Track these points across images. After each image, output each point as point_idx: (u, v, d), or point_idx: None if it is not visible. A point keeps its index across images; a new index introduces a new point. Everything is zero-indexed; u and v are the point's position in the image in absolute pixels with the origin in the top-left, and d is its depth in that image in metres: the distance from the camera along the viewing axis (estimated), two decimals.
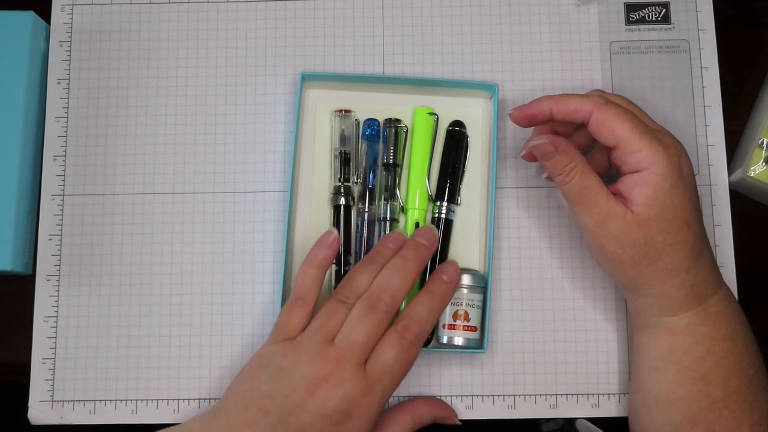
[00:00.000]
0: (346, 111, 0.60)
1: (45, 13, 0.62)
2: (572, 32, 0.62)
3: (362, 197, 0.59)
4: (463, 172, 0.60)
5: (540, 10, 0.62)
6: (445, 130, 0.60)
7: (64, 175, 0.60)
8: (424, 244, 0.54)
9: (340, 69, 0.61)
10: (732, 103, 0.62)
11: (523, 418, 0.58)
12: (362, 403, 0.48)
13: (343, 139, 0.59)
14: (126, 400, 0.58)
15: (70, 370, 0.58)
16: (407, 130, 0.60)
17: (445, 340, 0.56)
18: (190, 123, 0.61)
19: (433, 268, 0.57)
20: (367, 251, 0.58)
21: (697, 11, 0.62)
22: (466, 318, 0.56)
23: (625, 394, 0.58)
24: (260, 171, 0.60)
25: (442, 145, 0.60)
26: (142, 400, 0.58)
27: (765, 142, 0.58)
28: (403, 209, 0.59)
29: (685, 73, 0.61)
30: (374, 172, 0.59)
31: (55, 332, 0.58)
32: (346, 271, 0.58)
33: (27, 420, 0.58)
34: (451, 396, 0.58)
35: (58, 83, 0.61)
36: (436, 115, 0.60)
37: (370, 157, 0.59)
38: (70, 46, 0.62)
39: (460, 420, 0.58)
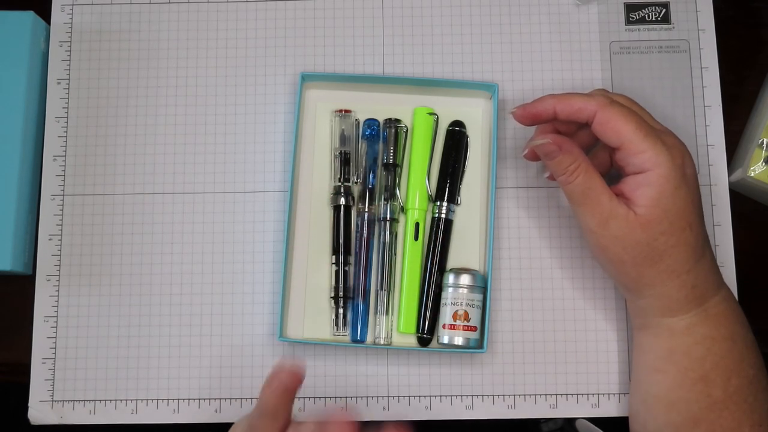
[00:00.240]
0: (346, 111, 0.60)
1: (45, 13, 0.62)
2: (572, 32, 0.62)
3: (362, 197, 0.59)
4: (463, 172, 0.60)
5: (540, 10, 0.62)
6: (445, 130, 0.60)
7: (64, 175, 0.60)
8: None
9: (340, 69, 0.61)
10: (732, 103, 0.62)
11: (523, 418, 0.58)
12: None
13: (343, 139, 0.59)
14: (126, 400, 0.58)
15: (70, 370, 0.58)
16: (407, 130, 0.60)
17: (445, 340, 0.56)
18: (190, 123, 0.61)
19: (433, 267, 0.57)
20: (367, 251, 0.58)
21: (697, 11, 0.62)
22: (466, 318, 0.56)
23: (625, 394, 0.58)
24: (260, 171, 0.60)
25: (442, 145, 0.60)
26: (142, 400, 0.58)
27: (765, 142, 0.58)
28: (403, 209, 0.59)
29: (685, 73, 0.61)
30: (374, 172, 0.59)
31: (55, 332, 0.58)
32: (345, 271, 0.58)
33: (27, 420, 0.58)
34: (451, 396, 0.58)
35: (58, 83, 0.61)
36: (436, 115, 0.60)
37: (370, 157, 0.59)
38: (70, 46, 0.62)
39: (459, 420, 0.58)
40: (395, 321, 0.58)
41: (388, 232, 0.58)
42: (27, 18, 0.59)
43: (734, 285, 0.58)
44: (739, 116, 0.62)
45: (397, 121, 0.59)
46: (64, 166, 0.60)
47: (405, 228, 0.59)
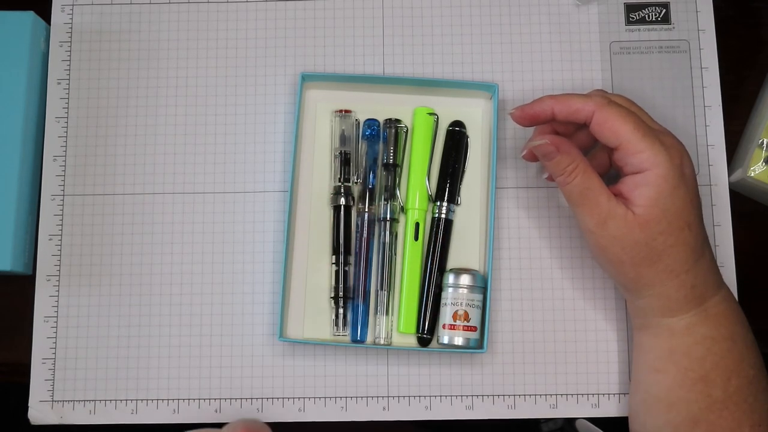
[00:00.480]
0: (346, 111, 0.60)
1: (45, 13, 0.62)
2: (572, 32, 0.62)
3: (362, 197, 0.59)
4: (463, 172, 0.60)
5: (540, 10, 0.62)
6: (445, 130, 0.60)
7: (64, 175, 0.60)
8: None
9: (340, 69, 0.61)
10: (732, 103, 0.62)
11: (523, 418, 0.58)
12: None
13: (343, 139, 0.59)
14: (126, 400, 0.58)
15: (70, 370, 0.58)
16: (407, 130, 0.60)
17: (445, 340, 0.56)
18: (190, 123, 0.61)
19: (433, 267, 0.57)
20: (367, 251, 0.58)
21: (697, 11, 0.62)
22: (466, 318, 0.56)
23: (625, 394, 0.58)
24: (260, 171, 0.60)
25: (442, 145, 0.60)
26: (142, 400, 0.58)
27: (765, 142, 0.58)
28: (403, 209, 0.59)
29: (685, 73, 0.61)
30: (374, 172, 0.59)
31: (55, 332, 0.58)
32: (345, 271, 0.58)
33: (27, 420, 0.58)
34: (451, 396, 0.58)
35: (58, 83, 0.61)
36: (436, 115, 0.60)
37: (370, 157, 0.59)
38: (70, 47, 0.62)
39: (459, 420, 0.58)
40: (395, 321, 0.58)
41: (388, 232, 0.58)
42: (27, 18, 0.59)
43: (734, 285, 0.58)
44: (739, 116, 0.62)
45: (397, 121, 0.59)
46: (64, 166, 0.60)
47: (405, 228, 0.59)
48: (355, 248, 0.59)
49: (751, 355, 0.51)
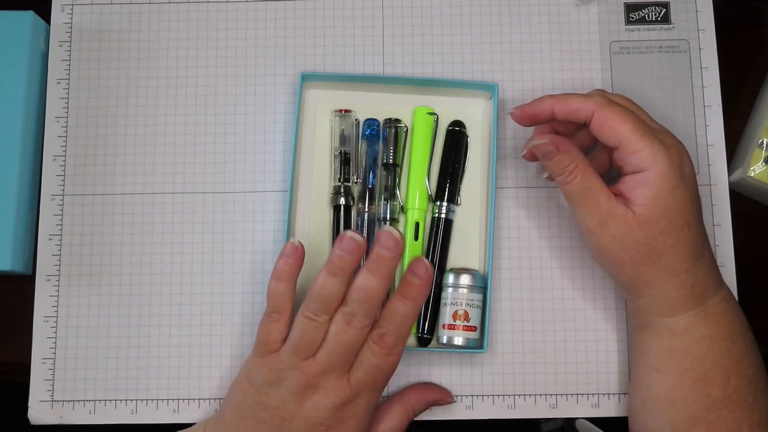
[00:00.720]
0: (346, 111, 0.60)
1: (45, 13, 0.62)
2: (572, 32, 0.62)
3: (362, 197, 0.59)
4: (463, 172, 0.60)
5: (540, 10, 0.62)
6: (445, 130, 0.60)
7: (64, 175, 0.60)
8: (387, 255, 0.50)
9: (340, 69, 0.61)
10: (732, 103, 0.62)
11: (523, 418, 0.58)
12: (350, 408, 0.50)
13: (343, 139, 0.59)
14: (126, 400, 0.58)
15: (70, 370, 0.58)
16: (407, 130, 0.60)
17: (445, 340, 0.56)
18: (190, 123, 0.61)
19: (432, 263, 0.57)
20: (366, 251, 0.58)
21: (697, 11, 0.62)
22: (466, 318, 0.56)
23: (625, 394, 0.58)
24: (260, 171, 0.60)
25: (442, 145, 0.60)
26: (141, 400, 0.58)
27: (765, 142, 0.58)
28: (403, 209, 0.59)
29: (685, 73, 0.61)
30: (374, 172, 0.59)
31: (55, 332, 0.58)
32: None
33: (27, 420, 0.58)
34: (450, 393, 0.58)
35: (58, 83, 0.61)
36: (436, 115, 0.60)
37: (370, 157, 0.59)
38: (70, 46, 0.62)
39: (459, 420, 0.58)
40: None
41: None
42: (27, 18, 0.59)
43: (734, 285, 0.58)
44: (739, 116, 0.62)
45: (397, 121, 0.59)
46: (64, 166, 0.60)
47: (405, 228, 0.59)
48: None
49: (750, 354, 0.51)
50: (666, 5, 0.62)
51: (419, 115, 0.59)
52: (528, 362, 0.58)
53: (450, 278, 0.56)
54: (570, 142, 0.51)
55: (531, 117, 0.53)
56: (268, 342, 0.52)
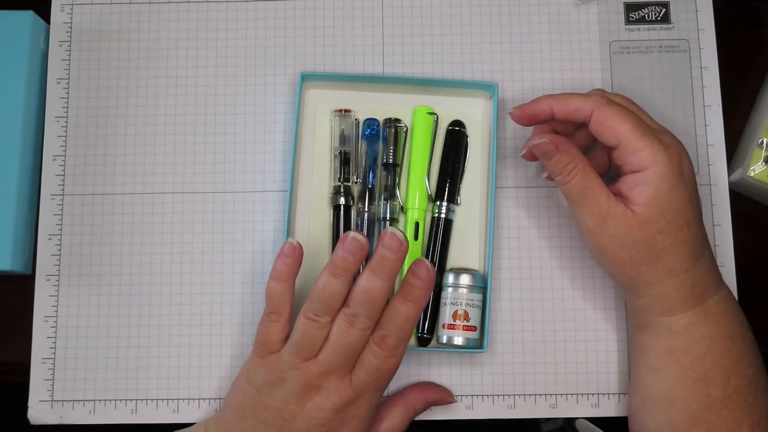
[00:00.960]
0: (346, 111, 0.60)
1: (45, 13, 0.62)
2: (572, 32, 0.62)
3: (362, 197, 0.59)
4: (462, 171, 0.60)
5: (540, 10, 0.62)
6: (444, 129, 0.60)
7: (63, 175, 0.60)
8: (390, 257, 0.49)
9: (340, 69, 0.61)
10: (732, 103, 0.62)
11: (523, 418, 0.58)
12: (352, 410, 0.50)
13: (343, 138, 0.59)
14: (126, 400, 0.58)
15: (70, 370, 0.58)
16: (407, 130, 0.60)
17: (444, 340, 0.56)
18: (190, 123, 0.61)
19: (432, 263, 0.57)
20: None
21: (696, 11, 0.62)
22: (466, 318, 0.56)
23: (624, 393, 0.58)
24: (260, 171, 0.60)
25: (441, 144, 0.60)
26: (141, 400, 0.58)
27: (765, 142, 0.58)
28: (402, 209, 0.59)
29: (685, 72, 0.61)
30: (374, 172, 0.59)
31: (55, 332, 0.58)
32: None
33: (27, 420, 0.58)
34: (451, 392, 0.58)
35: (58, 83, 0.61)
36: (435, 114, 0.60)
37: (369, 157, 0.59)
38: (70, 46, 0.62)
39: (460, 420, 0.58)
40: None
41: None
42: (27, 18, 0.59)
43: (734, 285, 0.58)
44: (739, 116, 0.62)
45: (397, 120, 0.59)
46: (64, 165, 0.60)
47: (405, 228, 0.59)
48: None
49: (750, 354, 0.51)
50: (666, 5, 0.62)
51: (419, 115, 0.59)
52: (528, 362, 0.58)
53: (450, 278, 0.56)
54: (569, 142, 0.51)
55: (530, 117, 0.53)
56: (267, 343, 0.52)
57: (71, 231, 0.60)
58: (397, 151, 0.59)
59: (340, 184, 0.59)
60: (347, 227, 0.58)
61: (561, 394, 0.58)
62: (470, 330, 0.56)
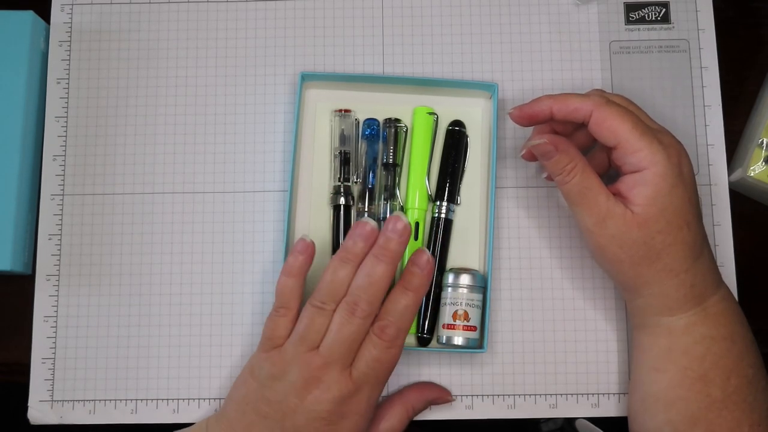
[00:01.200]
0: (346, 111, 0.60)
1: (45, 13, 0.62)
2: (572, 32, 0.62)
3: (362, 197, 0.59)
4: (462, 171, 0.60)
5: (540, 10, 0.62)
6: (444, 129, 0.60)
7: (63, 175, 0.60)
8: (394, 239, 0.51)
9: (340, 69, 0.61)
10: (732, 103, 0.62)
11: (523, 418, 0.58)
12: (352, 403, 0.50)
13: (343, 138, 0.59)
14: (126, 400, 0.58)
15: (70, 370, 0.58)
16: (407, 130, 0.60)
17: (444, 339, 0.56)
18: (190, 123, 0.61)
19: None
20: None
21: (696, 11, 0.62)
22: (466, 318, 0.56)
23: (624, 393, 0.58)
24: (260, 171, 0.60)
25: (441, 144, 0.60)
26: (141, 400, 0.58)
27: (765, 142, 0.58)
28: (402, 209, 0.59)
29: (685, 73, 0.61)
30: (374, 172, 0.59)
31: (55, 332, 0.58)
32: None
33: (27, 420, 0.58)
34: (450, 392, 0.58)
35: (58, 83, 0.61)
36: (435, 114, 0.60)
37: (369, 157, 0.59)
38: (70, 46, 0.62)
39: (459, 420, 0.58)
40: None
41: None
42: (27, 18, 0.59)
43: (734, 285, 0.58)
44: (739, 116, 0.62)
45: (397, 120, 0.59)
46: (64, 165, 0.60)
47: None
48: None
49: (750, 354, 0.51)
50: (666, 5, 0.62)
51: (419, 115, 0.59)
52: (528, 362, 0.58)
53: (450, 278, 0.56)
54: (569, 142, 0.52)
55: (530, 117, 0.53)
56: (273, 337, 0.52)
57: (71, 231, 0.60)
58: (397, 151, 0.59)
59: (340, 184, 0.59)
60: (347, 227, 0.58)
61: (561, 394, 0.58)
62: (470, 330, 0.56)
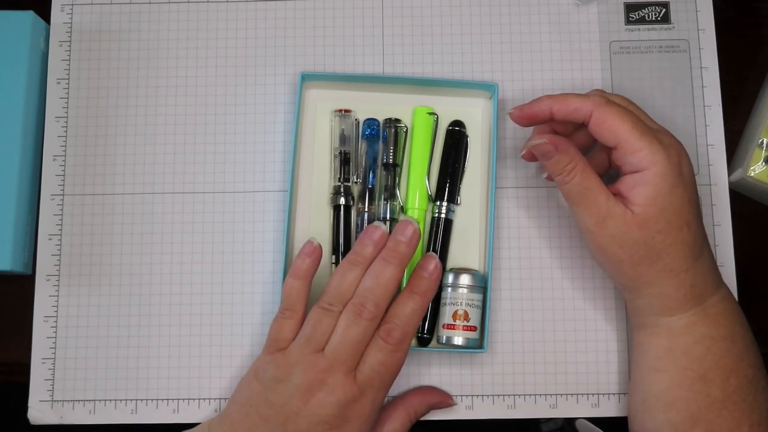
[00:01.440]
0: (346, 111, 0.60)
1: (45, 13, 0.62)
2: (572, 32, 0.62)
3: (362, 197, 0.59)
4: (462, 171, 0.60)
5: (540, 10, 0.62)
6: (444, 130, 0.60)
7: (64, 175, 0.60)
8: (404, 242, 0.52)
9: (340, 69, 0.61)
10: (732, 103, 0.62)
11: (523, 418, 0.58)
12: (356, 407, 0.50)
13: (343, 138, 0.59)
14: (126, 400, 0.58)
15: (70, 370, 0.58)
16: (407, 130, 0.60)
17: (444, 340, 0.56)
18: (190, 123, 0.61)
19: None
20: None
21: (697, 11, 0.62)
22: (466, 318, 0.56)
23: (624, 393, 0.58)
24: (260, 171, 0.60)
25: (442, 145, 0.60)
26: (141, 400, 0.58)
27: (765, 142, 0.58)
28: (402, 209, 0.59)
29: (685, 73, 0.61)
30: (374, 172, 0.59)
31: (55, 332, 0.58)
32: None
33: (27, 420, 0.58)
34: (451, 396, 0.58)
35: (58, 83, 0.61)
36: (435, 115, 0.60)
37: (369, 157, 0.59)
38: (70, 46, 0.62)
39: (460, 420, 0.58)
40: None
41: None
42: (27, 18, 0.59)
43: (734, 285, 0.58)
44: (739, 116, 0.62)
45: (397, 120, 0.59)
46: (64, 165, 0.60)
47: None
48: None
49: (750, 354, 0.51)
50: (666, 5, 0.62)
51: (419, 115, 0.59)
52: (528, 362, 0.58)
53: (450, 278, 0.56)
54: (569, 142, 0.52)
55: (529, 117, 0.53)
56: (279, 339, 0.52)
57: (71, 231, 0.60)
58: (397, 151, 0.59)
59: (340, 184, 0.59)
60: (347, 227, 0.58)
61: (561, 394, 0.58)
62: (470, 330, 0.56)
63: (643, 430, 0.53)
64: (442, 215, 0.58)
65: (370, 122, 0.60)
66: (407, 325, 0.51)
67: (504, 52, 0.62)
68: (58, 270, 0.59)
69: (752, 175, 0.58)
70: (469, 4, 0.62)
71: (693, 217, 0.50)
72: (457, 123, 0.59)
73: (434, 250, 0.58)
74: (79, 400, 0.58)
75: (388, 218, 0.58)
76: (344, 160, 0.59)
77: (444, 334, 0.56)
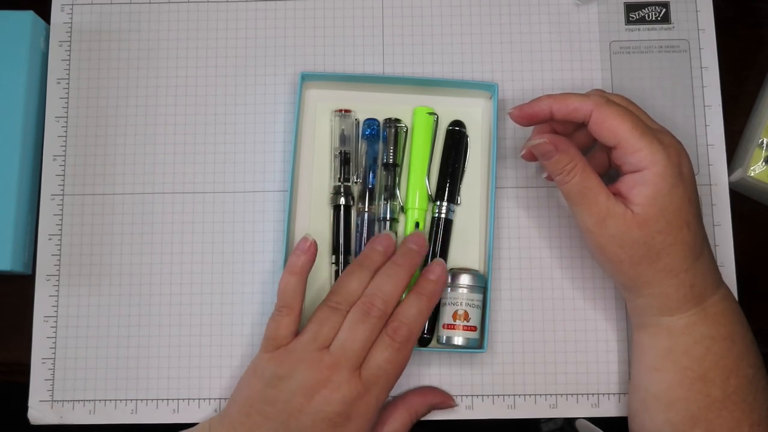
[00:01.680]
0: (346, 111, 0.60)
1: (45, 13, 0.62)
2: (572, 32, 0.62)
3: (362, 197, 0.59)
4: (462, 171, 0.60)
5: (540, 10, 0.62)
6: (445, 130, 0.60)
7: (64, 175, 0.60)
8: (415, 249, 0.54)
9: (340, 69, 0.61)
10: (732, 103, 0.62)
11: (523, 418, 0.58)
12: (359, 405, 0.50)
13: (343, 138, 0.59)
14: (126, 400, 0.58)
15: (70, 370, 0.58)
16: (407, 130, 0.60)
17: (444, 340, 0.56)
18: (190, 123, 0.61)
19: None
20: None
21: (697, 11, 0.62)
22: (466, 318, 0.56)
23: (624, 393, 0.58)
24: (260, 171, 0.60)
25: (441, 144, 0.60)
26: (141, 400, 0.58)
27: (765, 142, 0.58)
28: (402, 209, 0.59)
29: (685, 73, 0.61)
30: (374, 172, 0.59)
31: (55, 332, 0.58)
32: None
33: (27, 420, 0.58)
34: (451, 396, 0.58)
35: (58, 83, 0.61)
36: (436, 115, 0.60)
37: (370, 157, 0.59)
38: (70, 46, 0.62)
39: (460, 420, 0.58)
40: None
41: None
42: (27, 18, 0.59)
43: (734, 285, 0.58)
44: (739, 116, 0.62)
45: (397, 120, 0.59)
46: (64, 165, 0.60)
47: (405, 228, 0.59)
48: (355, 248, 0.59)
49: (750, 354, 0.51)
50: (666, 5, 0.62)
51: (419, 115, 0.59)
52: (528, 362, 0.58)
53: (450, 278, 0.56)
54: (568, 142, 0.51)
55: (529, 117, 0.53)
56: (276, 337, 0.52)
57: (71, 231, 0.60)
58: (397, 151, 0.59)
59: (340, 184, 0.59)
60: (347, 227, 0.58)
61: (561, 394, 0.58)
62: (470, 330, 0.56)
63: (643, 430, 0.53)
64: (442, 215, 0.58)
65: (370, 122, 0.60)
66: (413, 325, 0.52)
67: (504, 52, 0.62)
68: (58, 270, 0.59)
69: (752, 175, 0.58)
70: (469, 4, 0.62)
71: (693, 217, 0.50)
72: (457, 123, 0.59)
73: (434, 250, 0.58)
74: (79, 400, 0.58)
75: (388, 218, 0.58)
76: (344, 160, 0.59)
77: (444, 334, 0.56)
